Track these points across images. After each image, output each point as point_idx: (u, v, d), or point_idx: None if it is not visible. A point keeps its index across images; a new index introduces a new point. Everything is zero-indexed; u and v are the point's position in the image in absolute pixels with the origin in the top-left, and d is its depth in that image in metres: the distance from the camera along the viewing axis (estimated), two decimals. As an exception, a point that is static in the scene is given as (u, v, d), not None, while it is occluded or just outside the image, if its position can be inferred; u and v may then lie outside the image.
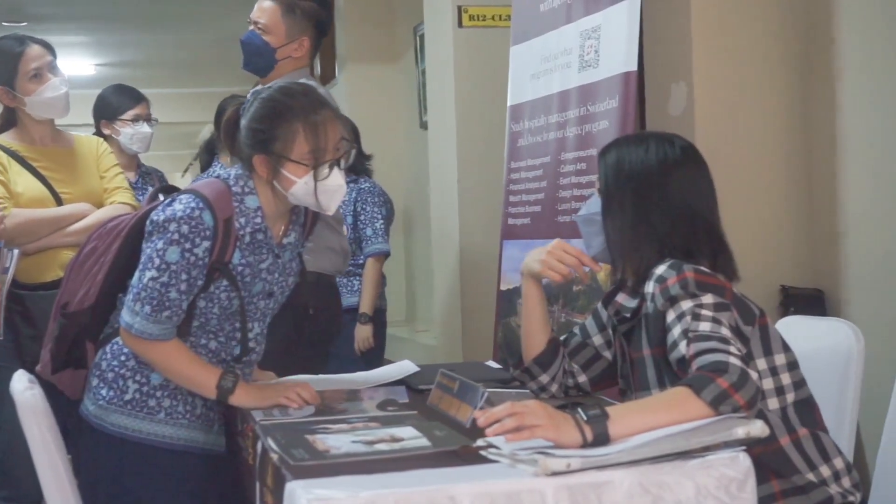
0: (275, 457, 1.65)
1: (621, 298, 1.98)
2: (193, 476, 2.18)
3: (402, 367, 2.46)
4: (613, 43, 3.12)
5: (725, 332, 1.72)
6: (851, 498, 1.83)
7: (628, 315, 1.95)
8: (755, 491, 1.54)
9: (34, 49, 3.03)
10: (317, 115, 2.09)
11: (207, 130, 4.12)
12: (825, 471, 1.82)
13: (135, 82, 4.08)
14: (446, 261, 4.59)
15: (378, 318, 4.26)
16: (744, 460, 1.53)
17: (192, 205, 2.06)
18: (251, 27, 2.97)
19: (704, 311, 1.75)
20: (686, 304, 1.77)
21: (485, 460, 1.58)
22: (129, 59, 9.86)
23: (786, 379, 1.86)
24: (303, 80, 2.61)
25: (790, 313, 2.91)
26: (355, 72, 6.68)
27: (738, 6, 3.20)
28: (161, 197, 2.28)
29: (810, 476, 1.81)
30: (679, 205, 1.92)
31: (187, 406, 2.17)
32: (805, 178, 3.22)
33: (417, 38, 6.00)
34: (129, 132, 3.79)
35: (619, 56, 3.09)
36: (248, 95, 2.26)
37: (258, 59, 2.96)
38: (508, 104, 3.80)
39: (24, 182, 2.98)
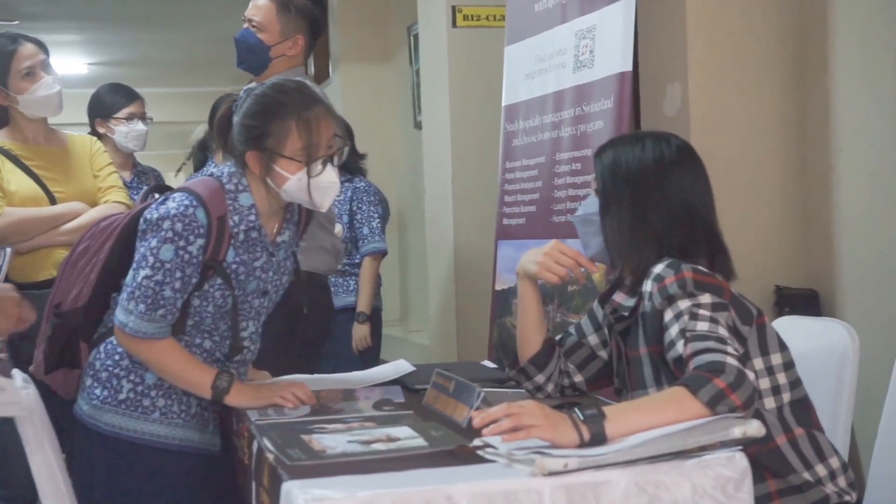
0: (271, 457, 1.64)
1: (619, 297, 1.98)
2: (188, 476, 2.17)
3: (398, 367, 2.45)
4: (608, 43, 3.12)
5: (723, 331, 1.72)
6: (847, 497, 1.83)
7: (626, 314, 1.95)
8: (752, 491, 1.54)
9: (27, 47, 3.03)
10: (310, 111, 2.09)
11: (201, 130, 4.11)
12: (821, 470, 1.83)
13: (128, 81, 4.07)
14: (441, 261, 4.58)
15: (374, 318, 4.26)
16: (740, 460, 1.53)
17: (186, 202, 2.06)
18: (245, 25, 2.96)
19: (702, 311, 1.75)
20: (684, 304, 1.77)
21: (482, 460, 1.58)
22: (122, 59, 9.83)
23: (782, 378, 1.87)
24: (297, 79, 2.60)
25: (785, 313, 2.91)
26: (349, 72, 6.67)
27: (733, 7, 3.20)
28: (154, 196, 2.27)
29: (806, 475, 1.81)
30: (677, 204, 1.92)
31: (182, 406, 2.17)
32: (799, 179, 3.23)
33: (411, 38, 6.00)
34: (124, 130, 3.78)
35: (614, 56, 3.09)
36: (241, 93, 2.25)
37: (252, 56, 2.95)
38: (503, 104, 3.80)
39: (18, 181, 2.97)
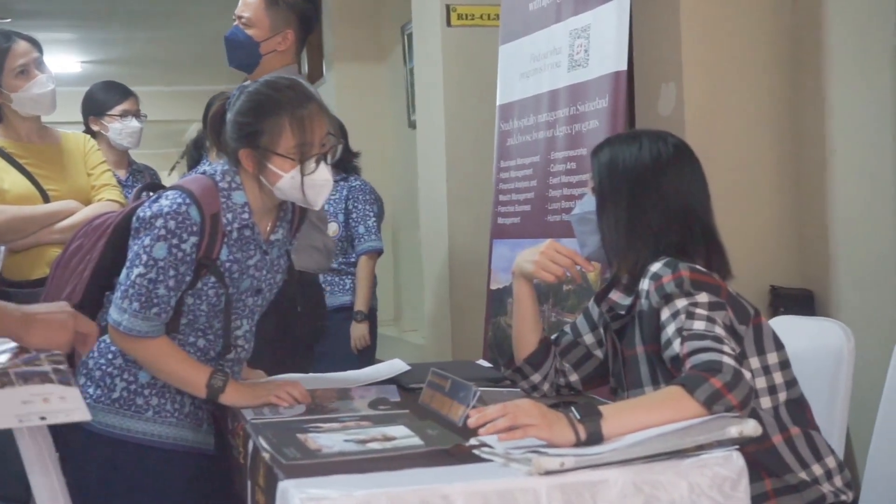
0: (266, 456, 1.64)
1: (615, 296, 1.98)
2: (182, 475, 2.16)
3: (393, 366, 2.45)
4: (603, 42, 3.12)
5: (719, 331, 1.72)
6: (843, 497, 1.84)
7: (622, 312, 1.95)
8: (748, 490, 1.54)
9: (21, 45, 3.02)
10: (303, 109, 2.08)
11: (194, 129, 4.09)
12: (817, 469, 1.83)
13: (121, 80, 4.05)
14: (435, 260, 4.58)
15: (370, 317, 4.25)
16: (737, 459, 1.53)
17: (179, 200, 2.05)
18: (235, 22, 2.96)
19: (699, 310, 1.75)
20: (681, 303, 1.77)
21: (478, 459, 1.57)
22: (115, 57, 9.81)
23: (778, 378, 1.87)
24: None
25: (780, 313, 2.92)
26: (343, 71, 6.67)
27: (728, 7, 3.21)
28: (148, 194, 2.26)
29: (803, 475, 1.81)
30: (674, 202, 1.92)
31: (175, 404, 2.16)
32: (794, 179, 3.23)
33: (405, 37, 5.99)
34: (118, 127, 3.77)
35: (608, 55, 3.09)
36: (234, 90, 2.24)
37: (242, 53, 2.95)
38: (497, 103, 3.80)
39: (11, 179, 2.96)
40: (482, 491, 1.44)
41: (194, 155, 4.16)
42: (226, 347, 2.18)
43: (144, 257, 2.04)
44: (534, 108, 3.51)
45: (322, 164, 2.10)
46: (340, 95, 6.55)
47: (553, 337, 2.19)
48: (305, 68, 7.02)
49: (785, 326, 2.21)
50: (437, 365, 2.31)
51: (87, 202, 3.05)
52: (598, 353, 2.12)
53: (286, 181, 2.08)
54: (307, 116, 2.08)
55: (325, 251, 3.00)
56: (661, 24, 3.24)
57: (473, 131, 4.33)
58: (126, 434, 2.12)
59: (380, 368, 2.48)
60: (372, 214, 4.22)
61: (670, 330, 1.76)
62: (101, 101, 3.81)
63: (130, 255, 2.07)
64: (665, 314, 1.79)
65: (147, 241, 2.04)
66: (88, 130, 3.73)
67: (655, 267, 1.84)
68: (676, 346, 1.73)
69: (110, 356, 2.15)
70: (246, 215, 2.12)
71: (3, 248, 2.87)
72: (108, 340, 2.15)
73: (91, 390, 2.14)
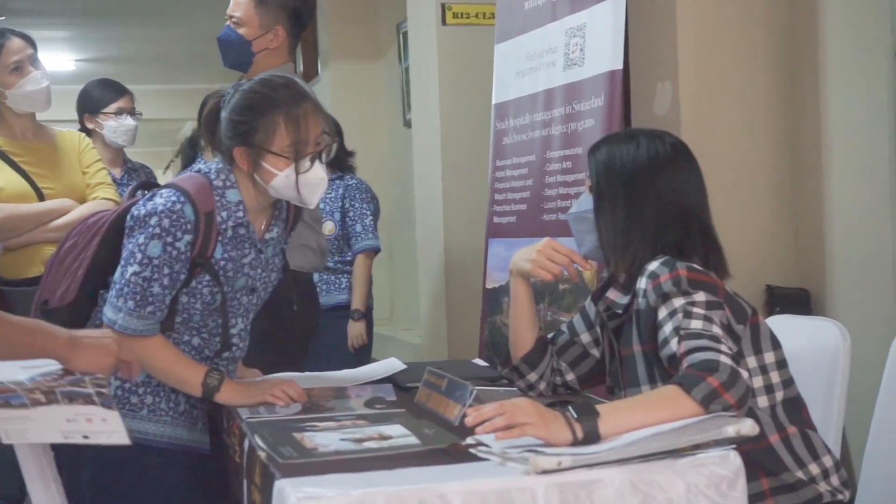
0: (262, 455, 1.63)
1: (612, 295, 1.98)
2: (177, 474, 2.16)
3: (389, 365, 2.44)
4: (599, 41, 3.12)
5: (717, 330, 1.72)
6: (840, 496, 1.84)
7: (619, 311, 1.95)
8: (745, 489, 1.54)
9: (15, 42, 3.01)
10: (298, 107, 2.08)
11: (189, 127, 4.10)
12: (814, 468, 1.83)
13: (116, 78, 4.04)
14: (431, 259, 4.58)
15: (367, 316, 4.25)
16: (734, 459, 1.53)
17: (173, 199, 2.05)
18: (227, 23, 2.97)
19: (696, 309, 1.75)
20: (678, 302, 1.77)
21: (475, 458, 1.57)
22: (109, 55, 9.80)
23: (775, 377, 1.87)
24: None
25: (776, 313, 2.91)
26: (338, 69, 6.66)
27: (724, 6, 3.20)
28: (142, 193, 2.25)
29: (799, 474, 1.81)
30: (671, 201, 1.91)
31: (170, 403, 2.15)
32: (790, 178, 3.23)
33: (401, 36, 5.99)
34: (113, 125, 3.75)
35: (604, 54, 3.09)
36: (229, 88, 2.24)
37: (235, 52, 2.95)
38: (493, 102, 3.80)
39: (5, 177, 2.96)
40: (479, 490, 1.43)
41: (189, 153, 4.16)
42: (224, 346, 2.17)
43: (139, 256, 2.03)
44: (529, 107, 3.51)
45: (317, 163, 2.10)
46: (336, 94, 6.54)
47: (550, 336, 2.19)
48: (300, 67, 7.01)
49: (781, 326, 2.21)
50: (433, 364, 2.31)
51: (81, 200, 3.05)
52: (595, 352, 2.12)
53: (281, 180, 2.08)
54: (302, 115, 2.08)
55: (319, 250, 3.00)
56: (656, 23, 3.24)
57: (469, 130, 4.33)
58: (121, 433, 2.11)
59: (376, 367, 2.47)
60: (368, 213, 4.21)
61: (667, 329, 1.76)
62: (96, 98, 3.80)
63: (125, 253, 2.07)
64: (662, 313, 1.79)
65: (141, 239, 2.03)
66: (83, 128, 3.72)
67: (653, 266, 1.84)
68: (673, 344, 1.73)
69: (105, 355, 2.14)
70: (240, 214, 2.12)
71: (-3, 246, 2.87)
72: (102, 339, 2.14)
73: (86, 389, 2.13)
